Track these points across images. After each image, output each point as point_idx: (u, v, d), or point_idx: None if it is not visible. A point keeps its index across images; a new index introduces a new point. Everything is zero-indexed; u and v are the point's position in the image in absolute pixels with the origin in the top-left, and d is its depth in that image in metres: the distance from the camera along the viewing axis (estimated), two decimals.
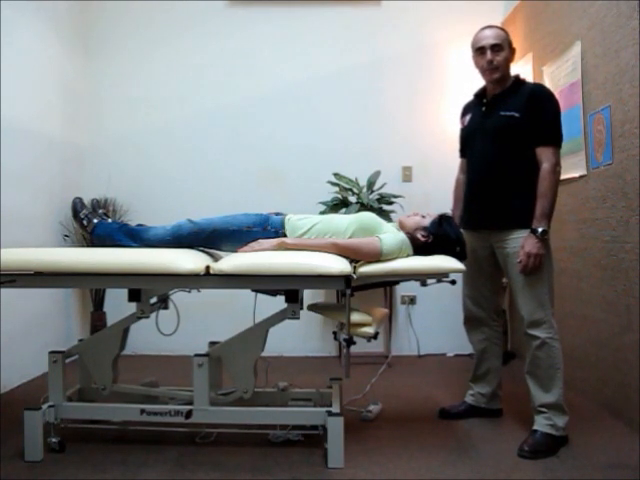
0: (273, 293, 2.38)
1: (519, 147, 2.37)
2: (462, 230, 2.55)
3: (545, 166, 2.30)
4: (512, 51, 2.48)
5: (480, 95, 2.56)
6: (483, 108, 2.51)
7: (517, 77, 2.49)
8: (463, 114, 2.67)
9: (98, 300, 4.03)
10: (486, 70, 2.45)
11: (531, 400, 2.40)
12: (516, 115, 2.36)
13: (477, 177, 2.53)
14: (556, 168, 2.32)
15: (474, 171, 2.55)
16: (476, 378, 2.72)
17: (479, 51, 2.45)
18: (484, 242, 2.51)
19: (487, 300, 2.63)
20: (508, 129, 2.38)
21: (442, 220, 2.37)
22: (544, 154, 2.32)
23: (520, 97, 2.38)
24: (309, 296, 2.60)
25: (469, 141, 2.59)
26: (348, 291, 2.14)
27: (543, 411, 2.34)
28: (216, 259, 2.28)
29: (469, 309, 2.67)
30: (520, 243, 2.34)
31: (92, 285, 3.23)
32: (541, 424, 2.34)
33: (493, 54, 2.41)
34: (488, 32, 2.45)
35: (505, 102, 2.42)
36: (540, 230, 2.29)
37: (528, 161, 2.34)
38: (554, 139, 2.35)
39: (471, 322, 2.68)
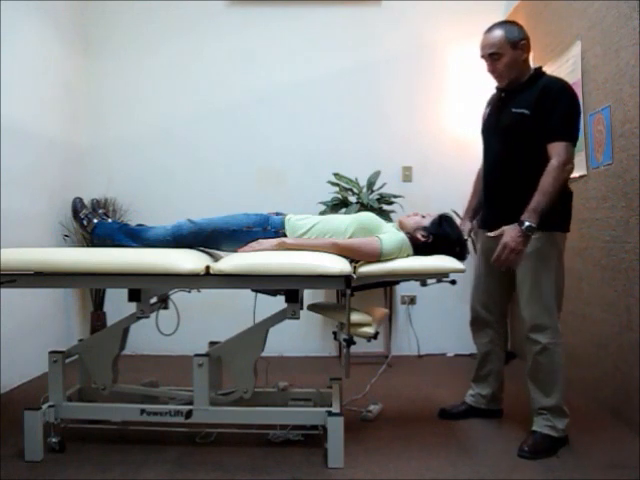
0: (273, 293, 2.38)
1: (530, 146, 2.27)
2: (478, 229, 2.54)
3: (552, 162, 2.16)
4: (519, 47, 2.31)
5: (500, 89, 2.46)
6: (500, 103, 2.43)
7: (537, 70, 2.37)
8: (486, 107, 2.58)
9: (98, 300, 4.03)
10: (494, 78, 2.40)
11: (531, 402, 2.39)
12: (526, 112, 2.26)
13: (489, 176, 2.48)
14: (566, 166, 2.18)
15: (487, 170, 2.50)
16: (477, 378, 2.70)
17: (483, 59, 2.39)
18: (497, 243, 2.44)
19: (496, 303, 2.59)
20: (518, 127, 2.29)
21: (442, 220, 2.37)
22: (554, 150, 2.18)
23: (533, 93, 2.27)
24: (309, 296, 2.59)
25: (485, 137, 2.53)
26: (348, 291, 2.14)
27: (543, 413, 2.33)
28: (216, 259, 2.28)
29: (477, 311, 2.62)
30: (531, 243, 2.23)
31: (92, 285, 3.23)
32: (540, 425, 2.33)
33: (492, 63, 2.35)
34: (484, 40, 2.36)
35: (517, 98, 2.32)
36: (526, 224, 2.14)
37: (540, 160, 2.21)
38: (564, 134, 2.20)
39: (477, 324, 2.64)
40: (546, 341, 2.28)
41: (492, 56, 2.34)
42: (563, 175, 2.20)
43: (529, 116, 2.26)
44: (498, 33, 2.33)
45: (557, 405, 2.31)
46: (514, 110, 2.30)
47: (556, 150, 2.18)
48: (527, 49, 2.35)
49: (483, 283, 2.58)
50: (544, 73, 2.38)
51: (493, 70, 2.37)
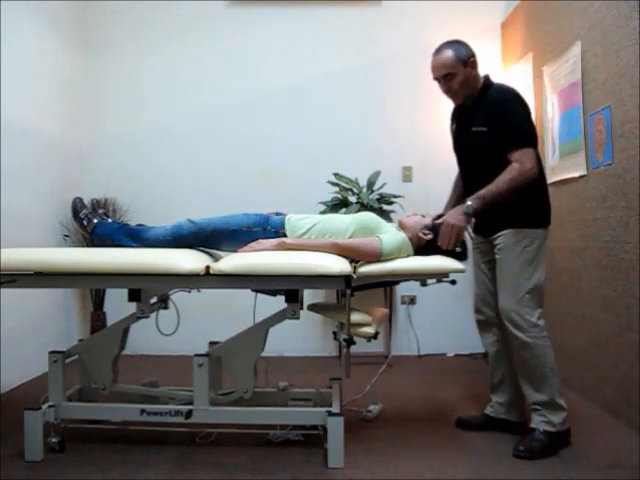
0: (273, 293, 2.38)
1: (495, 159, 2.29)
2: (473, 233, 2.54)
3: (515, 165, 2.23)
4: (469, 64, 2.36)
5: (459, 105, 2.52)
6: (461, 121, 2.49)
7: (485, 81, 2.41)
8: (451, 122, 2.62)
9: (98, 300, 4.04)
10: (449, 97, 2.46)
11: (525, 398, 2.38)
12: (484, 130, 2.32)
13: (468, 188, 2.47)
14: (527, 172, 2.23)
15: (465, 182, 2.54)
16: (493, 387, 2.57)
17: (436, 81, 2.44)
18: (489, 245, 2.47)
19: (495, 300, 2.51)
20: (481, 145, 2.34)
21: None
22: (514, 157, 2.24)
23: (485, 107, 2.33)
24: (309, 296, 2.59)
25: (456, 152, 2.56)
26: (348, 291, 2.14)
27: (537, 409, 2.32)
28: (216, 259, 2.28)
29: (479, 310, 2.59)
30: (505, 240, 2.32)
31: (92, 285, 3.23)
32: (537, 422, 2.31)
33: (447, 84, 2.39)
34: (435, 62, 2.39)
35: (474, 116, 2.38)
36: (468, 204, 2.26)
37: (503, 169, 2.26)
38: (519, 142, 2.26)
39: (482, 324, 2.60)
40: (524, 336, 2.27)
41: (446, 77, 2.38)
42: (521, 178, 2.23)
43: (487, 132, 2.32)
44: (448, 54, 2.37)
45: (550, 400, 2.29)
46: (474, 129, 2.36)
47: (516, 157, 2.24)
48: (475, 65, 2.40)
49: (480, 281, 2.59)
50: (492, 83, 2.42)
51: (448, 90, 2.42)
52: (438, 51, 2.41)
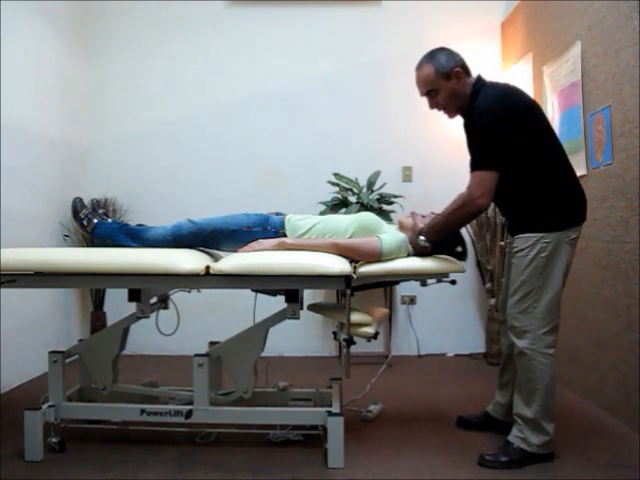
0: (273, 293, 2.38)
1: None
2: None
3: (464, 192, 2.18)
4: (453, 75, 2.21)
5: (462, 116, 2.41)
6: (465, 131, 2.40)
7: (474, 86, 2.24)
8: None
9: (98, 300, 4.04)
10: (443, 112, 2.35)
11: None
12: None
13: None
14: (473, 199, 2.13)
15: None
16: (499, 386, 2.53)
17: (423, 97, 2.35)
18: (512, 247, 2.38)
19: None
20: None
21: None
22: (469, 180, 2.17)
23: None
24: (309, 296, 2.59)
25: None
26: (348, 291, 2.14)
27: (517, 422, 2.22)
28: (216, 259, 2.28)
29: (502, 309, 2.52)
30: (518, 244, 2.23)
31: (92, 285, 3.23)
32: (513, 435, 2.22)
33: (432, 100, 2.29)
34: (417, 79, 2.28)
35: (469, 128, 2.30)
36: (420, 239, 2.26)
37: (511, 175, 2.17)
38: (474, 164, 2.17)
39: (503, 323, 2.51)
40: (523, 346, 2.17)
41: (429, 94, 2.28)
42: (466, 209, 2.18)
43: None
44: (428, 70, 2.24)
45: (533, 418, 2.17)
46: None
47: (469, 181, 2.18)
48: (462, 74, 2.24)
49: (504, 283, 2.51)
50: (480, 88, 2.23)
51: (436, 106, 2.31)
52: (418, 67, 2.28)
